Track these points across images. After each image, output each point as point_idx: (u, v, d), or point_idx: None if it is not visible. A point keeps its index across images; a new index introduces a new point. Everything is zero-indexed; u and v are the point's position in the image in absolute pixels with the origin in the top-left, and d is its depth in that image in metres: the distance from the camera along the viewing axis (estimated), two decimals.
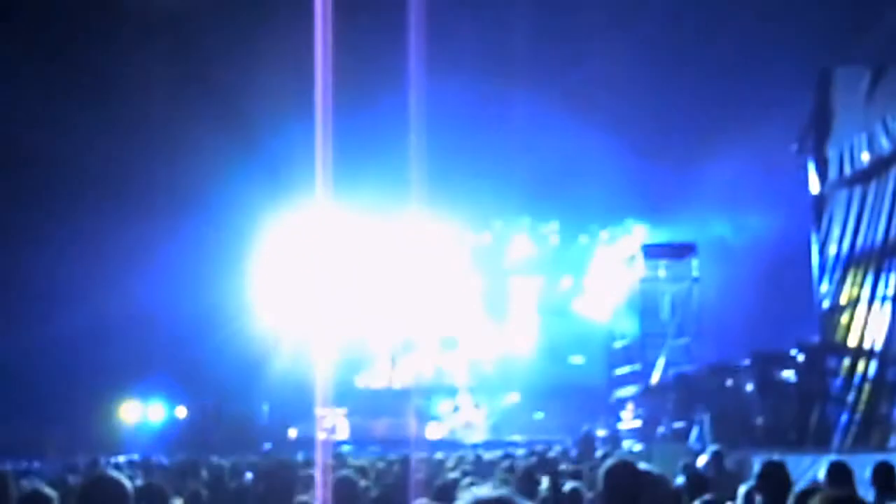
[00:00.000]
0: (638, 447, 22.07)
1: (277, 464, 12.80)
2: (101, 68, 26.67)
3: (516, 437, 29.81)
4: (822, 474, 7.83)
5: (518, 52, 27.25)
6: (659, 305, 25.53)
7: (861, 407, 16.83)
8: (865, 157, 18.25)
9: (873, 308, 17.55)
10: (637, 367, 24.85)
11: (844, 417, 16.96)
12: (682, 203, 28.90)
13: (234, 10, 26.87)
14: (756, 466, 6.99)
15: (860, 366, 17.40)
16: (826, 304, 19.20)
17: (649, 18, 26.53)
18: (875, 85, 18.26)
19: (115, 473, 4.96)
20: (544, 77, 27.82)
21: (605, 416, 27.78)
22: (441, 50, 25.84)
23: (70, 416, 26.87)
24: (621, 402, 26.04)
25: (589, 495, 7.97)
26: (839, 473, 7.37)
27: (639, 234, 33.97)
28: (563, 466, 13.27)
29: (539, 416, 33.13)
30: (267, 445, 28.27)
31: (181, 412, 31.08)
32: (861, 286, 18.08)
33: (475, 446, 27.54)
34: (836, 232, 19.14)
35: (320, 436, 31.72)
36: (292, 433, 31.54)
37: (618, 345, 29.07)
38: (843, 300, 18.69)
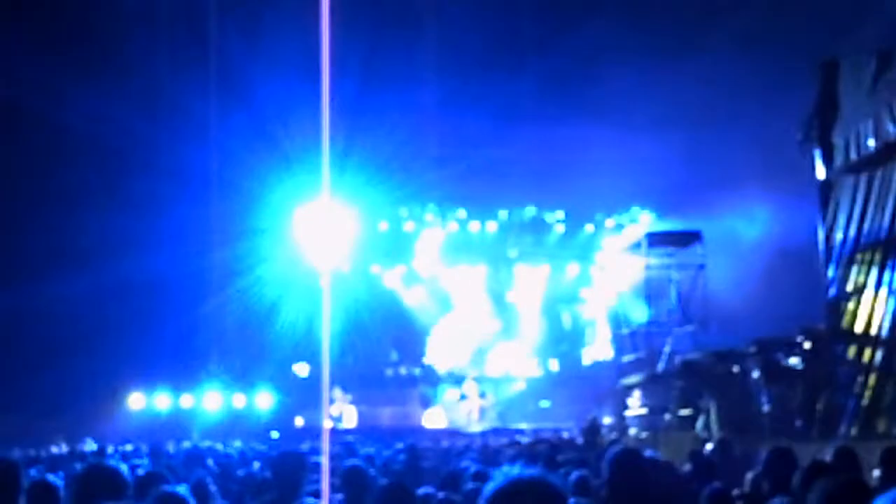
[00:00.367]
0: (644, 435, 22.09)
1: (285, 453, 12.79)
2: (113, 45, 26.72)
3: (522, 426, 29.86)
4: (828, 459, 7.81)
5: (522, 44, 27.25)
6: (665, 293, 25.50)
7: (868, 394, 16.80)
8: (872, 143, 18.19)
9: (880, 295, 17.51)
10: (643, 354, 24.83)
11: (851, 405, 16.94)
12: (688, 191, 28.87)
13: None
14: (763, 454, 6.98)
15: (867, 353, 17.37)
16: (832, 291, 19.17)
17: (655, 7, 26.51)
18: (881, 71, 18.19)
19: (113, 462, 4.96)
20: (549, 66, 27.76)
21: (612, 404, 27.81)
22: (447, 45, 25.95)
23: (77, 404, 26.92)
24: (627, 390, 26.05)
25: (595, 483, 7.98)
26: (846, 459, 7.36)
27: (645, 222, 33.99)
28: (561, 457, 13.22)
29: (545, 404, 33.18)
30: (274, 434, 28.34)
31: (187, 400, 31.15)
32: (868, 273, 18.04)
33: (482, 434, 27.63)
34: (842, 219, 19.10)
35: (327, 424, 31.80)
36: (299, 421, 31.58)
37: (623, 332, 29.07)
38: (849, 287, 18.65)
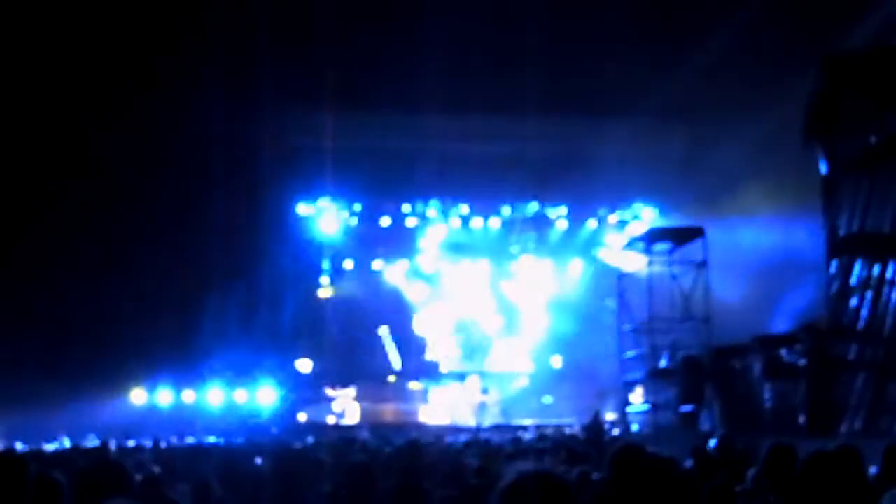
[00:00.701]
0: (646, 431, 22.12)
1: (288, 448, 12.83)
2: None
3: (525, 422, 29.87)
4: None
5: (526, 40, 27.25)
6: (667, 289, 25.49)
7: (869, 392, 16.81)
8: (873, 139, 18.18)
9: (882, 292, 17.51)
10: (645, 350, 24.84)
11: (853, 402, 16.95)
12: (691, 187, 28.88)
13: None
14: (764, 450, 6.99)
15: (868, 350, 17.37)
16: (834, 288, 19.15)
17: (659, 5, 26.51)
18: (882, 67, 18.18)
19: (118, 460, 4.99)
20: (553, 61, 27.77)
21: (614, 400, 27.82)
22: (448, 43, 25.97)
23: (79, 400, 26.96)
24: (630, 386, 26.06)
25: (597, 478, 7.98)
26: (848, 456, 7.35)
27: (647, 217, 34.01)
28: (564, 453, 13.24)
29: (548, 400, 33.18)
30: (273, 430, 28.37)
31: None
32: (870, 269, 18.03)
33: (485, 430, 27.65)
34: (844, 215, 19.07)
35: (330, 420, 31.87)
36: (301, 417, 31.63)
37: (626, 328, 29.08)
38: (851, 284, 18.65)
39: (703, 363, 21.22)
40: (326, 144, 30.23)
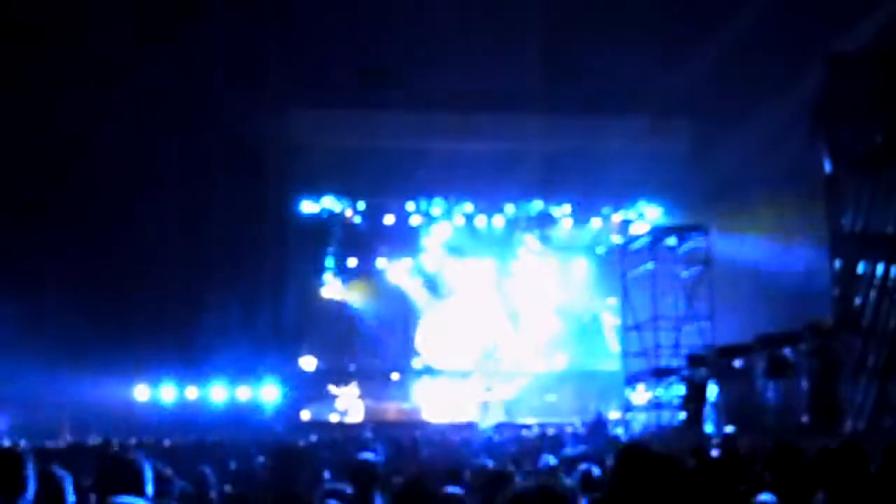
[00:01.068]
0: (649, 429, 22.10)
1: (290, 446, 12.85)
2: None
3: (529, 420, 29.86)
4: None
5: (531, 38, 27.24)
6: (671, 287, 25.48)
7: (872, 391, 16.77)
8: (878, 138, 18.14)
9: (885, 290, 17.47)
10: (649, 348, 24.82)
11: (857, 400, 16.91)
12: (695, 185, 28.85)
13: None
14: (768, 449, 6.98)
15: (872, 349, 17.34)
16: (838, 287, 19.11)
17: (662, 3, 26.48)
18: (887, 66, 18.14)
19: (131, 455, 5.00)
20: (557, 59, 27.75)
21: (617, 399, 27.80)
22: (449, 42, 25.94)
23: (82, 397, 26.98)
24: (633, 385, 26.04)
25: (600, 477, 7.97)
26: (852, 454, 7.34)
27: (651, 215, 33.99)
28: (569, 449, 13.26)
29: (551, 398, 33.17)
30: (277, 427, 28.39)
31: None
32: (874, 268, 17.99)
33: (487, 428, 27.64)
34: (848, 213, 19.03)
35: (333, 417, 31.89)
36: (305, 415, 31.64)
37: (629, 326, 29.07)
38: (855, 283, 18.61)
39: (706, 361, 21.20)
40: (330, 142, 30.26)
